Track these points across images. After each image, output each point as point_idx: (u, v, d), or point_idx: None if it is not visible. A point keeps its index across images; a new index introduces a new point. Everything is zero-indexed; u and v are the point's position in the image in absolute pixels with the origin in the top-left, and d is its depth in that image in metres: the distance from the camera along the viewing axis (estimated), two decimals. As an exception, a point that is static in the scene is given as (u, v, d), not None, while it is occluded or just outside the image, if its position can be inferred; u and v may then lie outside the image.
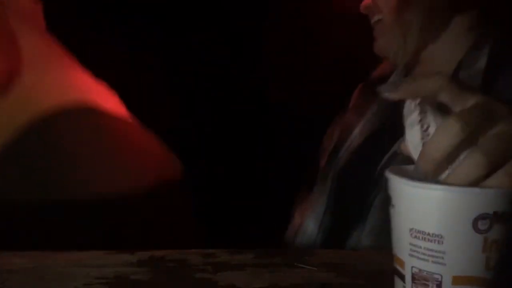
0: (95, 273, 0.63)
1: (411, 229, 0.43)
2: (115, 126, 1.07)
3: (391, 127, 0.95)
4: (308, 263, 0.66)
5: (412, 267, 0.44)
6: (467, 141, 0.42)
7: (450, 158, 0.43)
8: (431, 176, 0.43)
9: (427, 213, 0.42)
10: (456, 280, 0.42)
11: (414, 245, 0.43)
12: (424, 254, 0.42)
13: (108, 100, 1.10)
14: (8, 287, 0.60)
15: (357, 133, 1.01)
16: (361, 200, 0.89)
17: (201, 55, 1.82)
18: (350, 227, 0.88)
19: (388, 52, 0.94)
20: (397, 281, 0.46)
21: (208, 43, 1.80)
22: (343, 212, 0.95)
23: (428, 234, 0.42)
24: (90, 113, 1.05)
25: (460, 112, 0.43)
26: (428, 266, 0.42)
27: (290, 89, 1.79)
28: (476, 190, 0.41)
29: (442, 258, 0.42)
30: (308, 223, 0.99)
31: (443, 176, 0.43)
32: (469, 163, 0.42)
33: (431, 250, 0.42)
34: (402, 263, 0.45)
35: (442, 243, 0.41)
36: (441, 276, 0.42)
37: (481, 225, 0.41)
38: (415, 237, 0.43)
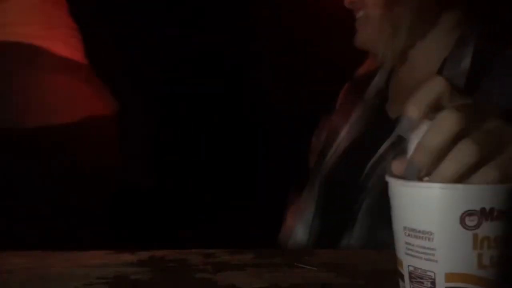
0: (95, 273, 0.63)
1: (404, 228, 0.44)
2: (54, 65, 1.23)
3: (377, 130, 0.95)
4: (308, 263, 0.66)
5: (408, 265, 0.44)
6: (461, 135, 0.42)
7: (445, 151, 0.43)
8: (427, 169, 0.43)
9: (416, 211, 0.43)
10: (449, 277, 0.42)
11: (408, 243, 0.44)
12: (417, 252, 0.43)
13: (60, 41, 1.26)
14: (8, 287, 0.60)
15: (344, 136, 1.00)
16: (349, 205, 0.88)
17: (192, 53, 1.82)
18: (340, 232, 0.87)
19: (370, 46, 0.93)
20: (400, 283, 0.46)
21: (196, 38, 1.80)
22: (332, 217, 0.94)
23: (419, 231, 0.43)
24: (31, 50, 1.20)
25: (454, 106, 0.43)
26: (421, 264, 0.43)
27: (285, 89, 1.79)
28: (461, 186, 0.41)
29: (434, 255, 0.42)
30: (299, 227, 0.98)
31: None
32: (461, 149, 0.42)
33: (423, 247, 0.42)
34: (401, 263, 0.45)
35: (433, 240, 0.42)
36: (434, 274, 0.42)
37: (469, 222, 0.41)
38: (408, 235, 0.44)
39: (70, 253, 0.72)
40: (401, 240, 0.44)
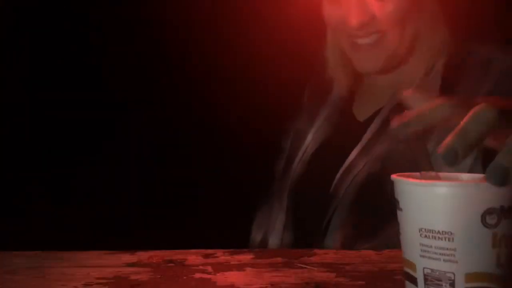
0: (95, 273, 0.63)
1: (420, 229, 0.43)
2: None
3: (345, 133, 0.93)
4: (308, 263, 0.66)
5: (424, 268, 0.44)
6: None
7: (479, 144, 0.42)
8: (461, 157, 0.42)
9: (435, 211, 0.42)
10: (468, 277, 0.42)
11: (425, 245, 0.43)
12: (435, 253, 0.42)
13: None
14: (8, 287, 0.60)
15: (310, 140, 0.97)
16: (319, 216, 0.86)
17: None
18: (312, 244, 0.85)
19: (374, 71, 0.90)
20: (409, 285, 0.46)
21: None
22: (302, 228, 0.92)
23: (438, 232, 0.42)
24: None
25: (488, 103, 0.42)
26: (440, 265, 0.42)
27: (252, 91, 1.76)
28: (482, 185, 0.41)
29: (454, 255, 0.42)
30: (270, 239, 0.95)
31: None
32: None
33: (442, 248, 0.42)
34: (413, 266, 0.45)
35: (453, 240, 0.41)
36: (454, 275, 0.42)
37: (489, 220, 0.41)
38: (425, 236, 0.43)
39: (70, 253, 0.72)
40: (415, 242, 0.44)
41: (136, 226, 1.70)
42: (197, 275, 0.63)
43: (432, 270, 0.43)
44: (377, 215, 0.75)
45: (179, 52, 1.82)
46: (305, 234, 0.90)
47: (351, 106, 0.96)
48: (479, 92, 0.79)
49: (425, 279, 0.44)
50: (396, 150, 0.81)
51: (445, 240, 0.42)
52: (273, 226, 0.96)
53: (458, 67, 0.85)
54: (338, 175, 0.87)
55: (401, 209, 0.45)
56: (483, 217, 0.41)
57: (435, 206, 0.42)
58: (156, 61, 1.85)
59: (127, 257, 0.71)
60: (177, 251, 0.73)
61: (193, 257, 0.71)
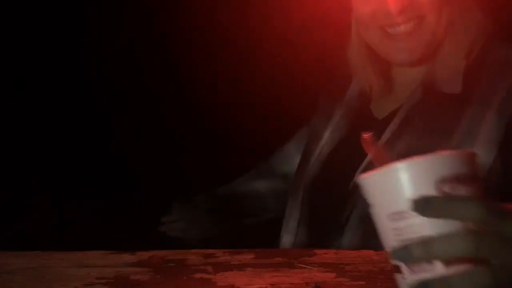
0: (95, 273, 0.63)
1: (388, 215, 0.44)
2: None
3: (362, 132, 0.92)
4: (308, 263, 0.66)
5: None
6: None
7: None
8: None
9: (395, 193, 0.44)
10: None
11: (397, 229, 0.44)
12: (408, 233, 0.43)
13: None
14: (9, 287, 0.60)
15: (327, 139, 0.95)
16: (336, 214, 0.85)
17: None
18: (327, 242, 0.84)
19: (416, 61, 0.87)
20: (397, 277, 0.45)
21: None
22: (318, 225, 0.91)
23: (404, 212, 0.43)
24: None
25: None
26: (402, 243, 0.43)
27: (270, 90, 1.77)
28: (430, 157, 0.44)
29: (404, 234, 0.43)
30: (283, 235, 0.95)
31: None
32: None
33: (412, 225, 0.43)
34: None
35: (407, 217, 0.43)
36: None
37: (445, 189, 0.43)
38: (394, 219, 0.44)
39: (70, 253, 0.72)
40: (388, 229, 0.45)
41: (136, 226, 1.70)
42: (197, 275, 0.63)
43: None
44: None
45: (183, 52, 1.82)
46: (320, 232, 0.90)
47: (369, 104, 0.95)
48: (497, 93, 0.79)
49: (395, 263, 0.45)
50: (416, 148, 0.80)
51: (412, 217, 0.43)
52: (287, 222, 0.96)
53: (479, 65, 0.84)
54: (357, 173, 0.86)
55: (371, 205, 0.46)
56: (437, 186, 0.42)
57: (394, 188, 0.44)
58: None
59: (127, 257, 0.71)
60: (177, 251, 0.73)
61: (193, 257, 0.71)
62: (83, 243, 0.77)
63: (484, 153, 0.77)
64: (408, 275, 0.44)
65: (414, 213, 0.42)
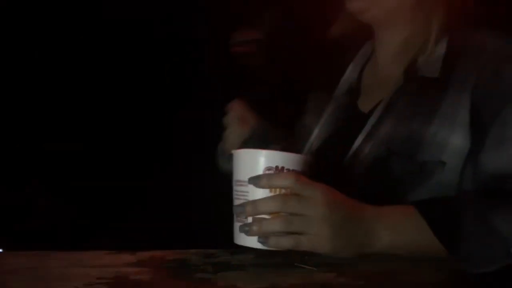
0: (95, 273, 0.63)
1: (234, 182, 0.70)
2: None
3: (349, 127, 0.94)
4: (308, 263, 0.66)
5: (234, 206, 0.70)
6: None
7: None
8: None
9: (238, 168, 0.69)
10: None
11: (236, 191, 0.69)
12: (239, 195, 0.68)
13: None
14: (8, 287, 0.60)
15: (316, 135, 1.00)
16: None
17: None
18: None
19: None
20: (234, 224, 0.69)
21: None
22: None
23: (240, 181, 0.69)
24: None
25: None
26: (241, 202, 0.68)
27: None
28: (263, 151, 0.68)
29: (247, 196, 0.67)
30: None
31: None
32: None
33: (243, 191, 0.68)
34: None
35: (247, 185, 0.67)
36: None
37: (272, 171, 0.67)
38: (235, 185, 0.69)
39: (70, 253, 0.72)
40: (234, 192, 0.70)
41: (136, 226, 1.71)
42: (197, 275, 0.63)
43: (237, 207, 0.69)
44: (383, 198, 0.76)
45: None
46: None
47: (356, 100, 0.97)
48: (471, 76, 0.82)
49: (236, 216, 0.69)
50: (399, 133, 0.85)
51: (243, 186, 0.68)
52: None
53: (457, 50, 0.86)
54: (345, 161, 0.89)
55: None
56: (264, 171, 0.67)
57: (238, 165, 0.70)
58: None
59: (127, 257, 0.71)
60: (177, 251, 0.73)
61: (193, 257, 0.71)
62: (83, 243, 0.77)
63: (463, 135, 0.81)
64: (239, 222, 0.68)
65: (250, 183, 0.67)
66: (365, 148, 0.87)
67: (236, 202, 0.68)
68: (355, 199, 0.71)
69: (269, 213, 0.66)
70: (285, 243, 0.66)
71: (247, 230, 0.66)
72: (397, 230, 0.70)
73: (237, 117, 1.02)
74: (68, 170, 1.85)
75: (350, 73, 1.03)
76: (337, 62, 1.05)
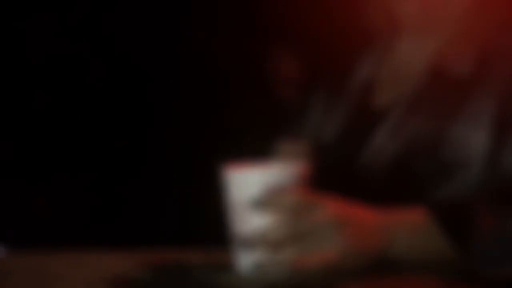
0: (95, 273, 0.63)
1: (230, 207, 0.64)
2: None
3: (363, 125, 0.92)
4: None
5: None
6: None
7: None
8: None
9: (232, 194, 0.64)
10: None
11: (233, 217, 0.64)
12: (237, 220, 0.63)
13: None
14: (8, 287, 0.60)
15: (326, 134, 0.96)
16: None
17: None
18: None
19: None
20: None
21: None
22: None
23: (237, 205, 0.63)
24: None
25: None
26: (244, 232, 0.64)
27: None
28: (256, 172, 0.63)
29: (246, 223, 0.62)
30: None
31: None
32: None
33: (240, 218, 0.63)
34: None
35: (244, 211, 0.62)
36: None
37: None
38: (232, 211, 0.64)
39: (70, 253, 0.72)
40: (231, 217, 0.65)
41: (136, 226, 1.71)
42: (197, 275, 0.63)
43: None
44: (402, 199, 0.75)
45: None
46: None
47: (369, 96, 0.94)
48: (495, 76, 0.81)
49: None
50: (423, 132, 0.83)
51: (240, 212, 0.63)
52: None
53: (487, 50, 0.85)
54: (361, 160, 0.86)
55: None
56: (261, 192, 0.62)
57: (232, 190, 0.64)
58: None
59: (127, 257, 0.71)
60: (177, 250, 0.73)
61: (193, 257, 0.71)
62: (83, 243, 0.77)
63: (486, 136, 0.79)
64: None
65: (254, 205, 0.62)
66: (385, 147, 0.85)
67: (237, 229, 0.64)
68: (368, 200, 0.69)
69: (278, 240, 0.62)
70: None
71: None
72: (412, 234, 0.69)
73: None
74: (68, 170, 1.85)
75: (364, 67, 0.98)
76: (350, 55, 1.02)
